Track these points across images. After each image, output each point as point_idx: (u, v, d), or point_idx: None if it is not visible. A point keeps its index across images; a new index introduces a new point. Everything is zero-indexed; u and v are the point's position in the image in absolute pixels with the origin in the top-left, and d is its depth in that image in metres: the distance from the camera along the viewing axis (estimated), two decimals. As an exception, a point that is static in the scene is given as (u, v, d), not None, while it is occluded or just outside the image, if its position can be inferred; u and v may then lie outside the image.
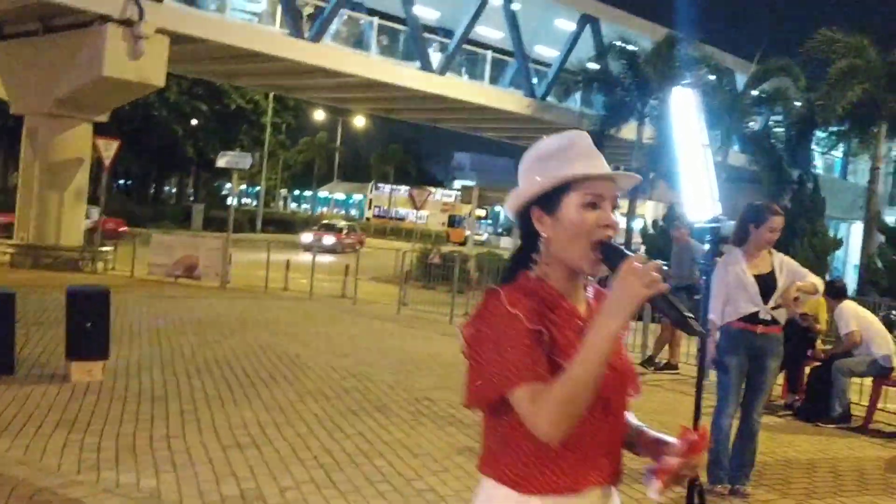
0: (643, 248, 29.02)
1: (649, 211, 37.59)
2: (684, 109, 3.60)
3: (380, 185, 73.35)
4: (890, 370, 8.56)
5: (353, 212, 79.11)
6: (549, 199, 1.83)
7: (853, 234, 33.68)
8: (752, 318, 5.81)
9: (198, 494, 5.15)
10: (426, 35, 28.34)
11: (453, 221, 58.68)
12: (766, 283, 5.84)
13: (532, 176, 1.87)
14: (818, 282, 5.98)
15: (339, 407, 7.67)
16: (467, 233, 48.70)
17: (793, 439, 7.87)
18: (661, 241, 26.07)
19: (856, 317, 8.65)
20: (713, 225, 3.73)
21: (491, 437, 1.88)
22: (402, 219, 64.35)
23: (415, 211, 50.49)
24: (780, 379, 9.59)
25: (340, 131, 74.51)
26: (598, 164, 1.86)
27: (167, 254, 19.05)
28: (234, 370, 9.03)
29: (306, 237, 35.45)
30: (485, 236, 55.03)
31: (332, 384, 8.64)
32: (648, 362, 11.21)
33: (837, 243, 25.53)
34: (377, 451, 6.36)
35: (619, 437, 1.92)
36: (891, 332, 14.38)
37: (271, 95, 46.30)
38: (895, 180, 32.42)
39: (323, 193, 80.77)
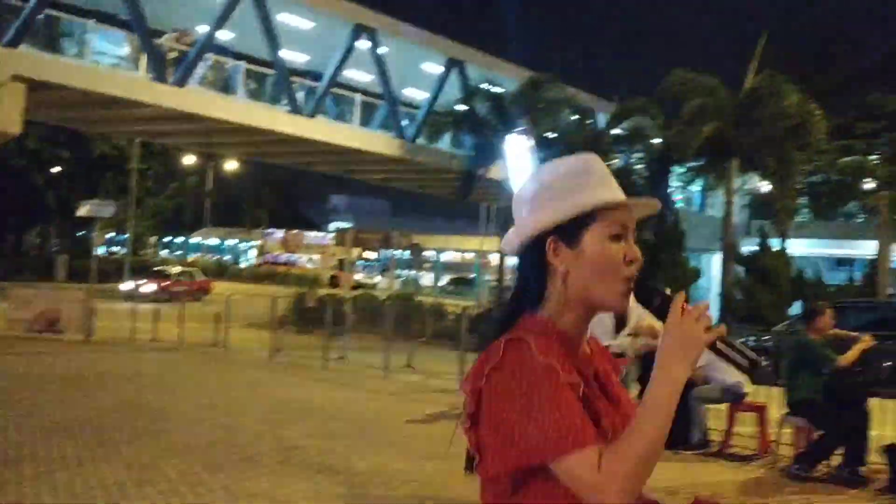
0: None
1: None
2: (519, 155, 3.73)
3: (271, 229, 72.14)
4: (742, 396, 8.96)
5: (227, 257, 77.63)
6: (569, 230, 1.63)
7: (713, 265, 35.17)
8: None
9: (49, 562, 4.93)
10: (294, 79, 28.33)
11: (343, 266, 58.09)
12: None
13: (545, 204, 1.66)
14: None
15: (204, 460, 7.48)
16: (356, 276, 48.44)
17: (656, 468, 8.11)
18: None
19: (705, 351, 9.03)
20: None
21: None
22: (292, 264, 63.30)
23: (305, 256, 49.74)
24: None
25: (212, 176, 73.22)
26: (619, 191, 1.69)
27: (27, 308, 18.24)
28: (95, 428, 8.69)
29: (126, 285, 32.19)
30: (377, 279, 54.55)
31: (198, 437, 8.43)
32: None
33: (696, 274, 26.59)
34: (243, 504, 6.24)
35: None
36: (763, 354, 15.13)
37: (137, 141, 45.24)
38: (751, 212, 33.97)
39: (195, 239, 78.97)
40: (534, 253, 1.66)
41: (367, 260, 57.79)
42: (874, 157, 28.67)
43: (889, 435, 8.10)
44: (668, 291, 1.62)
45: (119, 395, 10.64)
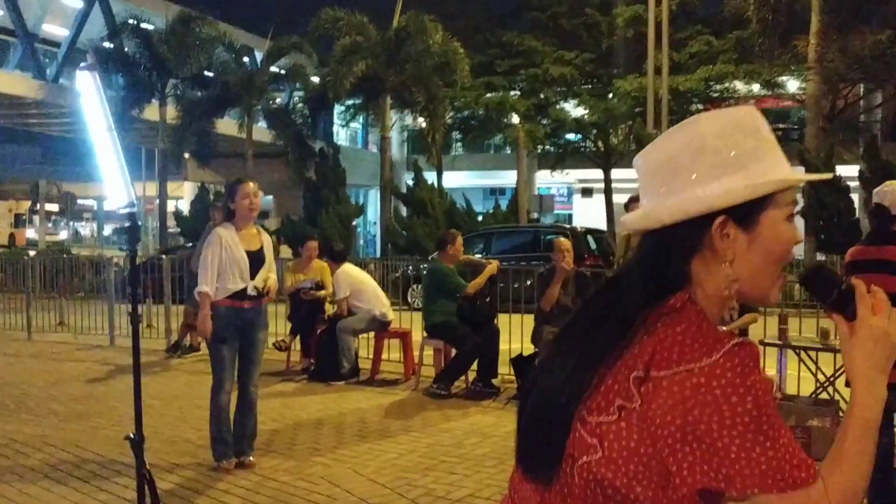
0: (179, 230, 28.67)
1: (188, 192, 37.10)
2: (87, 94, 3.58)
3: None
4: (388, 324, 9.43)
5: None
6: (746, 210, 1.34)
7: (378, 199, 36.38)
8: (241, 295, 5.99)
9: None
10: None
11: (19, 222, 52.44)
12: (256, 260, 6.05)
13: (716, 173, 1.34)
14: (274, 280, 6.30)
15: None
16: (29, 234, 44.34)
17: (305, 402, 8.33)
18: (194, 220, 25.93)
19: (350, 282, 9.35)
20: (128, 210, 3.77)
21: None
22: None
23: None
24: (297, 345, 10.11)
25: None
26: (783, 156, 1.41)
27: None
28: None
29: None
30: (63, 234, 49.95)
31: None
32: (174, 349, 11.11)
33: (359, 210, 27.35)
34: None
35: None
36: (412, 284, 15.89)
37: None
38: (410, 148, 35.41)
39: None
40: (689, 232, 1.35)
41: (52, 213, 52.79)
42: (514, 92, 30.96)
43: (516, 348, 8.90)
44: (842, 277, 1.38)
45: None
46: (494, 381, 8.66)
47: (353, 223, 26.78)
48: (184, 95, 27.95)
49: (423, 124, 29.48)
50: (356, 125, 38.80)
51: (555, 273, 8.20)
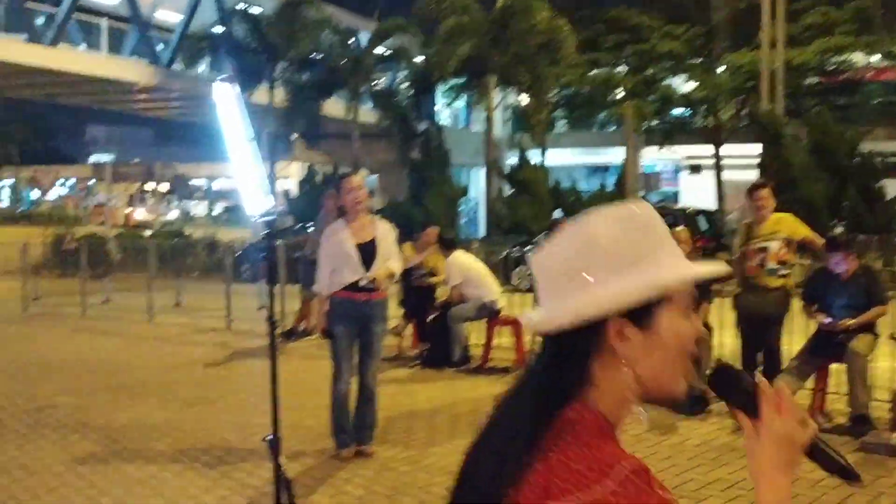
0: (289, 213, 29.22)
1: (295, 172, 37.80)
2: (226, 104, 3.64)
3: (35, 165, 66.25)
4: (498, 311, 9.41)
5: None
6: (640, 311, 1.30)
7: (481, 179, 36.34)
8: (355, 287, 6.08)
9: None
10: (31, 4, 26.15)
11: (133, 203, 54.39)
12: (368, 251, 6.13)
13: (607, 277, 1.31)
14: (395, 267, 6.33)
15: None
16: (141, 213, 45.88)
17: (418, 389, 8.41)
18: (302, 201, 26.42)
19: (461, 269, 9.35)
20: (267, 218, 3.83)
21: None
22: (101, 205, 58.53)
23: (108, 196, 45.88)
24: (411, 330, 10.21)
25: (-52, 111, 66.81)
26: (682, 254, 1.38)
27: None
28: None
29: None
30: (174, 214, 51.56)
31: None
32: (290, 334, 11.33)
33: (464, 191, 27.39)
34: (-11, 476, 5.90)
35: None
36: (516, 267, 15.83)
37: None
38: (514, 126, 35.19)
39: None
40: (586, 335, 1.31)
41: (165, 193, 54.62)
42: (620, 68, 30.41)
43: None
44: (748, 377, 1.36)
45: None
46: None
47: (457, 204, 26.82)
48: (292, 78, 28.42)
49: (528, 102, 29.27)
50: (460, 104, 38.79)
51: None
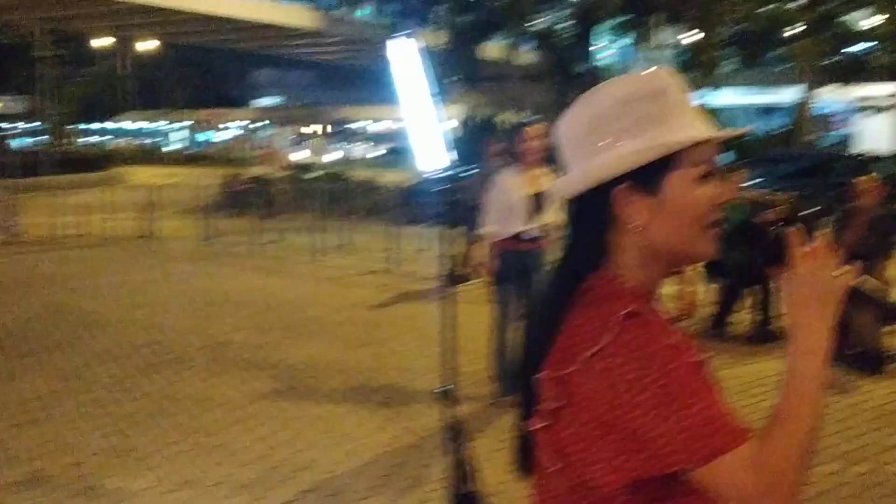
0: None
1: (456, 114, 37.94)
2: (405, 62, 3.61)
3: (199, 110, 69.37)
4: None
5: (153, 140, 75.67)
6: (647, 175, 1.31)
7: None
8: (521, 236, 6.06)
9: (-21, 486, 4.94)
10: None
11: (297, 145, 55.96)
12: (537, 202, 6.08)
13: (614, 142, 1.33)
14: (557, 219, 6.23)
15: (133, 365, 7.47)
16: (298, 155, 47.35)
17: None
18: (461, 144, 26.48)
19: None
20: (444, 174, 3.82)
21: None
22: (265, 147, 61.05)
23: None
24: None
25: (129, 59, 70.54)
26: (704, 118, 1.36)
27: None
28: (23, 337, 8.60)
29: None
30: (336, 156, 53.12)
31: (125, 341, 8.38)
32: (449, 278, 11.42)
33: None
34: (173, 408, 6.28)
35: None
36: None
37: (43, 29, 43.11)
38: (678, 66, 33.95)
39: (117, 125, 76.70)
40: (598, 202, 1.33)
41: (316, 136, 56.33)
42: (793, 4, 28.67)
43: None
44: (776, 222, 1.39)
45: (45, 301, 10.48)
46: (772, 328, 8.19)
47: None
48: (451, 21, 28.35)
49: (695, 40, 28.12)
50: (622, 44, 37.73)
51: (853, 215, 7.50)
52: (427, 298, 10.56)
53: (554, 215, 6.16)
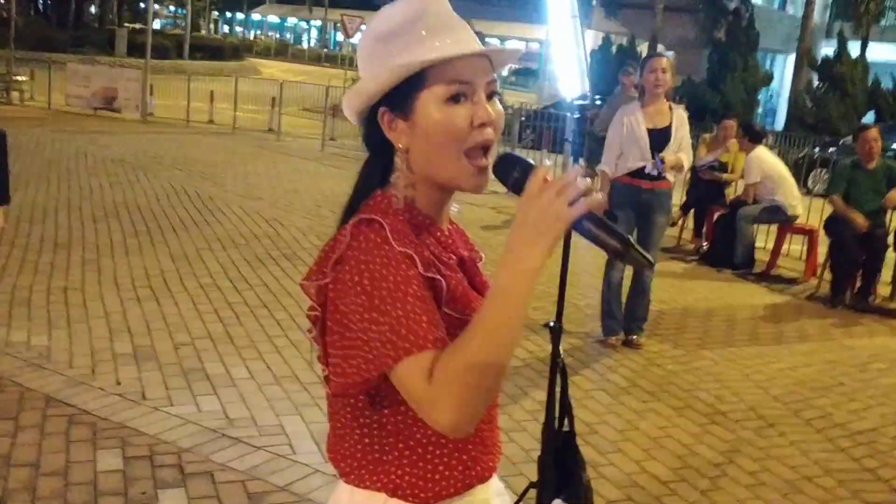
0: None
1: (589, 40, 36.99)
2: (562, 18, 3.40)
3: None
4: (794, 218, 8.73)
5: (288, 35, 76.57)
6: (400, 97, 1.33)
7: (788, 67, 33.71)
8: (640, 173, 5.81)
9: (89, 353, 5.11)
10: None
11: None
12: (661, 137, 5.80)
13: (373, 65, 1.36)
14: (685, 160, 5.92)
15: (247, 255, 7.62)
16: None
17: (693, 286, 8.08)
18: (594, 71, 25.78)
19: (762, 168, 8.69)
20: (581, 102, 3.62)
21: (356, 435, 1.39)
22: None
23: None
24: (690, 224, 9.78)
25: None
26: (462, 38, 1.34)
27: (85, 84, 18.29)
28: (144, 214, 8.87)
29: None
30: None
31: (243, 230, 8.55)
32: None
33: (768, 79, 25.50)
34: (280, 302, 6.37)
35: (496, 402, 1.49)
36: (815, 167, 14.62)
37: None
38: (833, 12, 32.11)
39: (256, 16, 77.79)
40: (372, 123, 1.39)
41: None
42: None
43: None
44: (531, 162, 1.29)
45: (169, 182, 10.77)
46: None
47: (758, 93, 25.09)
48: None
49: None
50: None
51: None
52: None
53: (676, 154, 5.88)
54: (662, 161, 5.70)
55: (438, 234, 1.42)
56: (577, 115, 3.63)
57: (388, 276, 1.25)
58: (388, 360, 1.23)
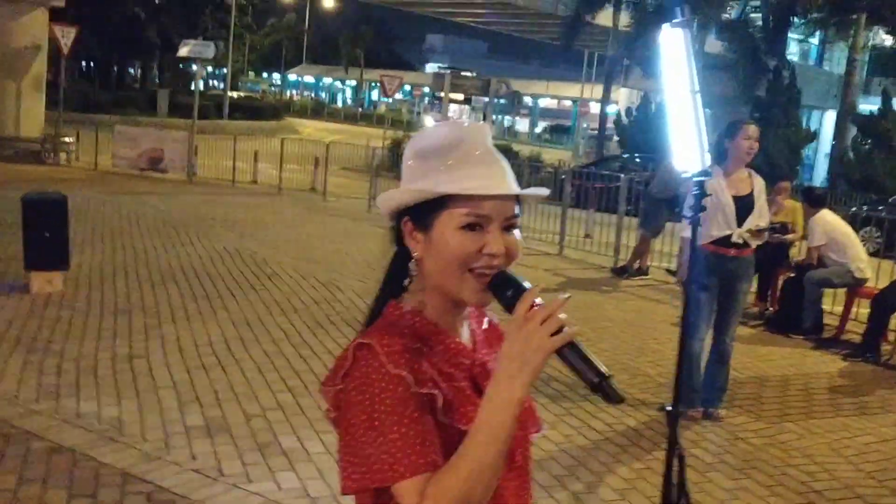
0: (616, 138, 28.73)
1: (623, 98, 37.13)
2: (673, 51, 3.31)
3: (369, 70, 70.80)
4: (863, 282, 8.50)
5: (323, 95, 77.66)
6: (422, 212, 1.43)
7: (826, 123, 33.54)
8: (725, 242, 5.66)
9: (160, 425, 5.01)
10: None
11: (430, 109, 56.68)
12: (744, 205, 5.68)
13: (407, 176, 1.48)
14: (765, 225, 5.82)
15: (308, 320, 7.52)
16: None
17: (766, 353, 7.84)
18: (633, 129, 25.78)
19: (826, 230, 8.47)
20: (701, 179, 3.51)
21: None
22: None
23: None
24: (754, 286, 9.57)
25: (309, 13, 72.45)
26: (490, 174, 1.44)
27: (131, 145, 18.53)
28: (201, 278, 8.83)
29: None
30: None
31: (301, 294, 8.47)
32: (621, 271, 11.06)
33: (811, 136, 25.32)
34: (346, 371, 6.23)
35: (527, 489, 1.56)
36: (869, 225, 14.31)
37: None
38: (871, 68, 32.00)
39: (292, 76, 79.14)
40: (396, 230, 1.50)
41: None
42: None
43: None
44: (526, 285, 1.36)
45: (222, 243, 10.76)
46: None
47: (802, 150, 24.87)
48: (638, 2, 27.57)
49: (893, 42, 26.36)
50: (811, 41, 35.82)
51: None
52: (594, 289, 10.25)
53: (760, 220, 5.75)
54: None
55: (448, 341, 1.47)
56: (695, 192, 3.47)
57: (386, 399, 1.34)
58: (388, 478, 1.32)
